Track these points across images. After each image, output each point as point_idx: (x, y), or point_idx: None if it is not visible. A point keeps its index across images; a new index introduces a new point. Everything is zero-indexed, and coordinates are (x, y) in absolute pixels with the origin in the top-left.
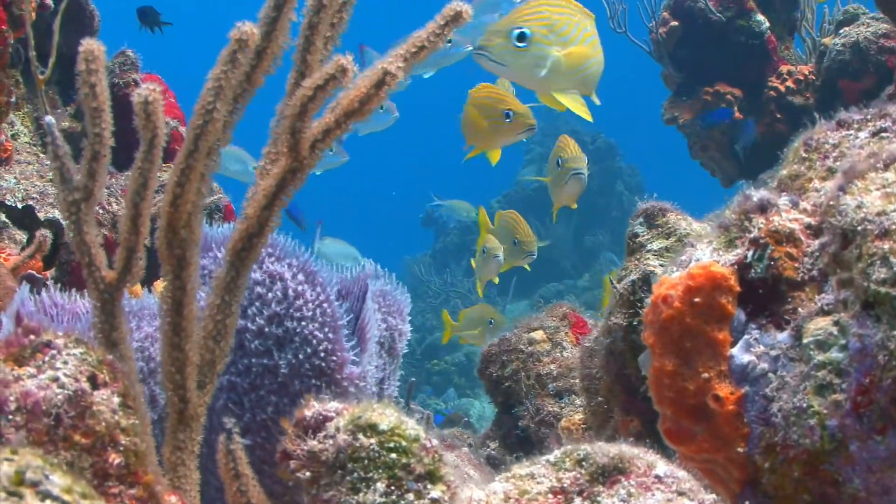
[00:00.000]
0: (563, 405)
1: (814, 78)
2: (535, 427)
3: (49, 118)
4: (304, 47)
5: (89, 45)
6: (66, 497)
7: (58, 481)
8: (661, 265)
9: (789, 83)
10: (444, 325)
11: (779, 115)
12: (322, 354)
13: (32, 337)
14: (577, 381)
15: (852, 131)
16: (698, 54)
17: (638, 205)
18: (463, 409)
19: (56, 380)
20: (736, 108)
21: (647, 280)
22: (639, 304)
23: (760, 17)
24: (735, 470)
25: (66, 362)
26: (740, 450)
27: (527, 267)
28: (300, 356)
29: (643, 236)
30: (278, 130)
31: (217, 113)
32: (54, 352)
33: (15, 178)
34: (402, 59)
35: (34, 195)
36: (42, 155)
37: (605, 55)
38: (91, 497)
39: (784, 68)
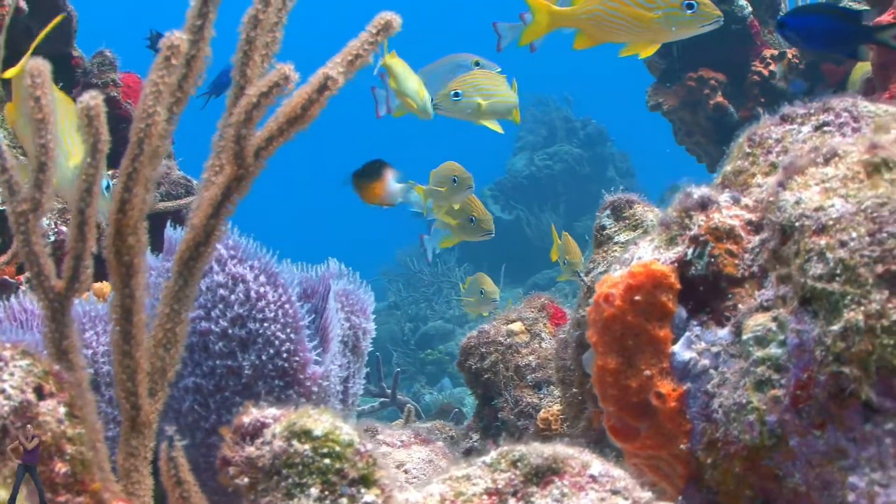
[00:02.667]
0: (541, 396)
1: (797, 62)
2: (514, 418)
3: None
4: (244, 62)
5: (35, 63)
6: None
7: None
8: None
9: (773, 67)
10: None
11: (763, 100)
12: (285, 355)
13: None
14: (554, 372)
15: (795, 125)
16: (682, 40)
17: (605, 197)
18: (457, 399)
19: (2, 391)
20: (720, 93)
21: None
22: None
23: (743, 2)
24: (678, 466)
25: (12, 374)
26: (683, 446)
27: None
28: (263, 357)
29: (610, 228)
30: (222, 142)
31: (158, 116)
32: (1, 364)
33: None
34: (342, 65)
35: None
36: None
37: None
38: None
39: (767, 53)
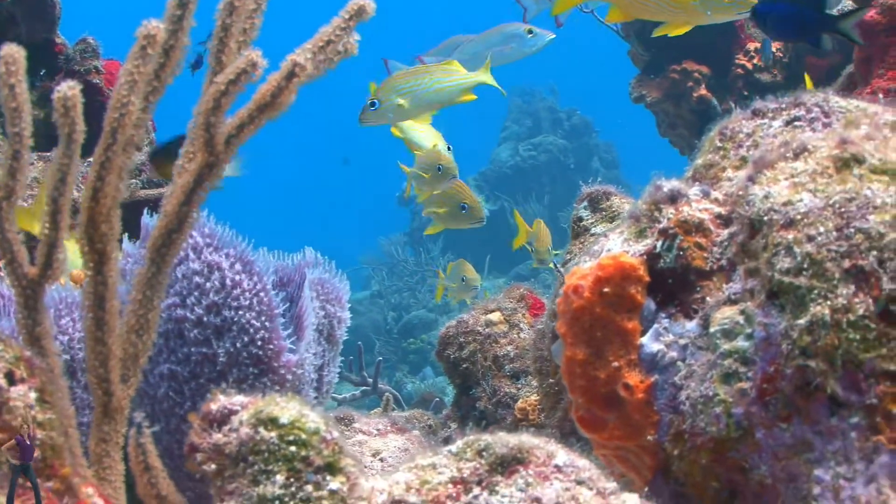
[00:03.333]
0: (519, 386)
1: (781, 55)
2: (492, 408)
3: None
4: (219, 48)
5: (9, 49)
6: None
7: None
8: None
9: (756, 60)
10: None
11: (746, 93)
12: (259, 343)
13: None
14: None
15: (766, 120)
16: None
17: (582, 189)
18: (439, 388)
19: None
20: (703, 86)
21: None
22: None
23: None
24: (646, 457)
25: None
26: (650, 437)
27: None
28: (238, 345)
29: (587, 220)
30: (194, 129)
31: (132, 106)
32: None
33: None
34: (311, 51)
35: None
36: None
37: (578, 35)
38: None
39: (751, 45)
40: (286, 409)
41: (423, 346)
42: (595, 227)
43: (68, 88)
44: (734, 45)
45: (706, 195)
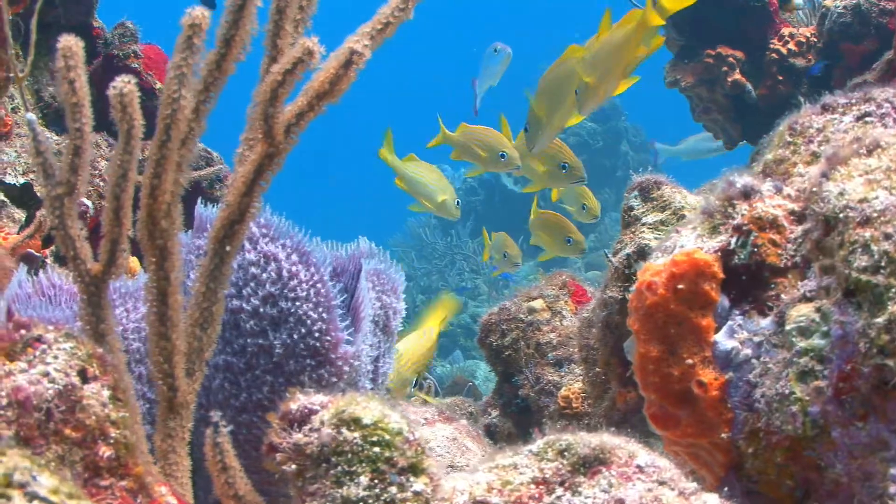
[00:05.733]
0: (562, 374)
1: (815, 40)
2: (535, 396)
3: (30, 115)
4: (274, 32)
5: (67, 41)
6: (53, 498)
7: (45, 482)
8: (656, 238)
9: (791, 45)
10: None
11: (780, 78)
12: (316, 334)
13: (23, 332)
14: (576, 351)
15: (837, 115)
16: (699, 17)
17: (633, 178)
18: (468, 371)
19: (46, 374)
20: (737, 70)
21: (642, 253)
22: (634, 278)
23: None
24: (719, 454)
25: (56, 357)
26: (724, 435)
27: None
28: (295, 336)
29: (638, 209)
30: (252, 117)
31: (184, 101)
32: (45, 346)
33: (16, 151)
34: (369, 37)
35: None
36: (44, 128)
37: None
38: (77, 497)
39: (786, 30)
40: (368, 409)
41: (452, 329)
42: (646, 216)
43: (123, 84)
44: (769, 29)
45: (779, 191)
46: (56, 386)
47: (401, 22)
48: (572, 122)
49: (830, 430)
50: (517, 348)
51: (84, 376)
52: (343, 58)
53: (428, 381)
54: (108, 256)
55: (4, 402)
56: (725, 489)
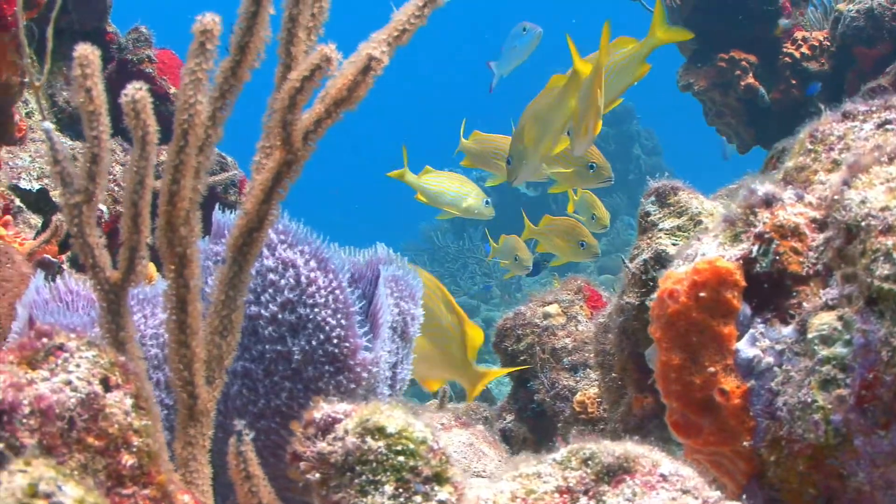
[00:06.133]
0: (577, 379)
1: (829, 44)
2: (550, 401)
3: (46, 124)
4: (288, 40)
5: (83, 49)
6: None
7: (70, 492)
8: (673, 244)
9: (804, 49)
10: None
11: (794, 82)
12: (335, 341)
13: (45, 340)
14: (592, 356)
15: (857, 123)
16: (713, 21)
17: (649, 183)
18: None
19: (69, 383)
20: (751, 74)
21: (659, 259)
22: (651, 283)
23: None
24: (741, 462)
25: (78, 365)
26: (746, 443)
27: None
28: (313, 342)
29: (655, 215)
30: (270, 124)
31: (200, 105)
32: (67, 354)
33: (30, 156)
34: (386, 43)
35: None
36: (58, 133)
37: (622, 22)
38: None
39: (799, 34)
40: (392, 417)
41: None
42: (663, 222)
43: (135, 91)
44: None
45: (800, 199)
46: (79, 394)
47: (416, 29)
48: (558, 149)
49: (853, 438)
50: (532, 353)
51: (107, 385)
52: (361, 64)
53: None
54: (127, 264)
55: (27, 410)
56: (745, 497)
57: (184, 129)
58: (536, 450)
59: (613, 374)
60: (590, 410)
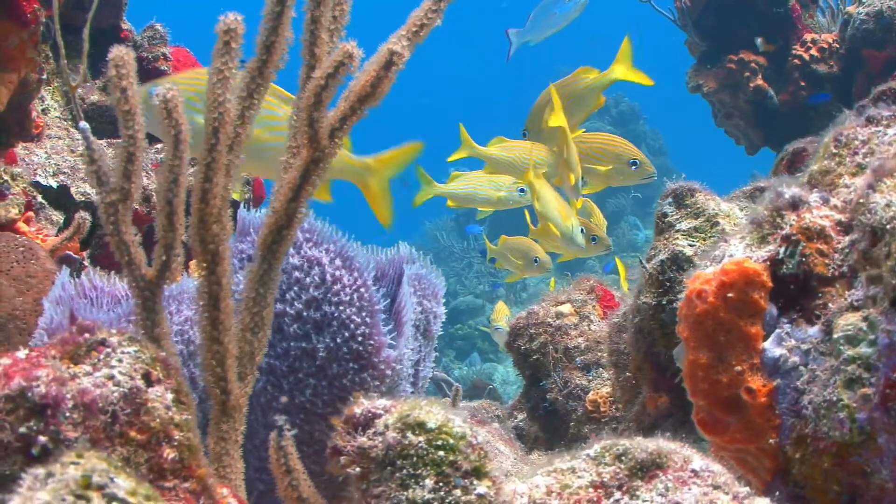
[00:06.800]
0: (590, 378)
1: (838, 46)
2: (562, 400)
3: (83, 124)
4: (311, 41)
5: (119, 51)
6: (132, 500)
7: (123, 484)
8: (689, 245)
9: (813, 51)
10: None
11: (803, 84)
12: (359, 338)
13: (87, 335)
14: (605, 355)
15: (881, 128)
16: (723, 22)
17: (667, 185)
18: (486, 374)
19: (111, 377)
20: (760, 76)
21: (676, 260)
22: (668, 284)
23: None
24: (766, 460)
25: (120, 360)
26: (772, 441)
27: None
28: (338, 340)
29: (672, 216)
30: (296, 124)
31: (229, 104)
32: (109, 350)
33: (46, 152)
34: (406, 38)
35: (65, 170)
36: (72, 129)
37: (629, 21)
38: (155, 499)
39: (808, 36)
40: (432, 413)
41: (470, 331)
42: (680, 223)
43: (166, 90)
44: (791, 35)
45: (826, 202)
46: (121, 389)
47: (433, 25)
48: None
49: (877, 436)
50: (545, 352)
51: (148, 379)
52: (383, 59)
53: (455, 385)
54: (162, 261)
55: (70, 404)
56: (777, 494)
57: (214, 128)
58: (549, 448)
59: (628, 374)
60: (602, 409)
